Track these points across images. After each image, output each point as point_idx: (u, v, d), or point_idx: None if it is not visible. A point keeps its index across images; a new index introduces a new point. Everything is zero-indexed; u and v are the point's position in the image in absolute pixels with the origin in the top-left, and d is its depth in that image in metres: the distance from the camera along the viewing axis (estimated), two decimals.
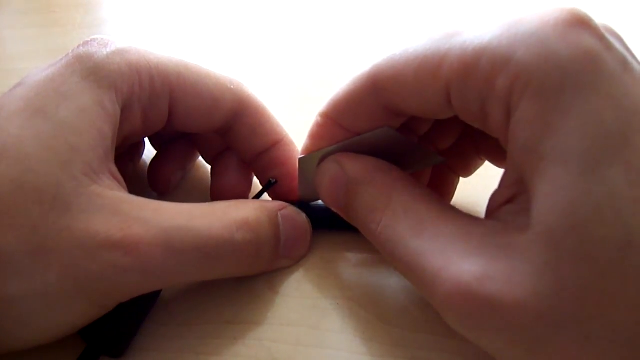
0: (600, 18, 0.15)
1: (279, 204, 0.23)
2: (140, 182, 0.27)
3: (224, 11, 0.46)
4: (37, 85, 0.19)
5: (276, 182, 0.24)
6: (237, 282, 0.23)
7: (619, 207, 0.13)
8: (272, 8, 0.46)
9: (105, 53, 0.20)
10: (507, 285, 0.14)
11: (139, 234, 0.18)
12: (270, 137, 0.24)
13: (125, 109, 0.21)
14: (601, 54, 0.14)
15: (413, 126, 0.22)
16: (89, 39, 0.21)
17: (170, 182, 0.26)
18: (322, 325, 0.21)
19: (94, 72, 0.20)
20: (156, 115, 0.22)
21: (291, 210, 0.23)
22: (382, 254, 0.19)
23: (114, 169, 0.20)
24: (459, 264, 0.15)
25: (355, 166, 0.20)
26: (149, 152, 0.28)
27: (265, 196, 0.25)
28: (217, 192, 0.25)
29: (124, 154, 0.26)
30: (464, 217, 0.17)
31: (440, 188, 0.25)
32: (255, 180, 0.26)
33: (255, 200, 0.23)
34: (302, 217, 0.23)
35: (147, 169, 0.27)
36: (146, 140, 0.28)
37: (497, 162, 0.23)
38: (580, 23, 0.15)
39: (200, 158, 0.28)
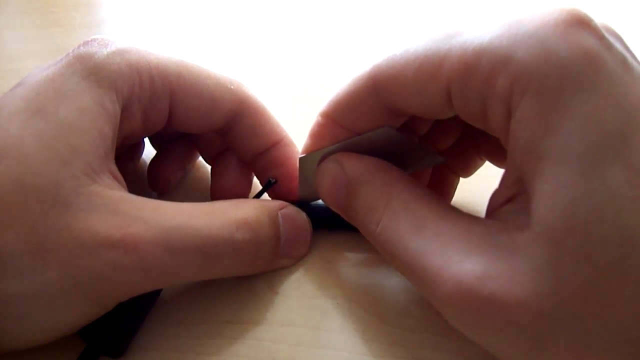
0: (600, 18, 0.15)
1: (279, 203, 0.23)
2: (140, 181, 0.27)
3: (224, 11, 0.46)
4: (38, 85, 0.19)
5: (276, 182, 0.24)
6: (237, 281, 0.23)
7: (619, 206, 0.13)
8: (272, 8, 0.46)
9: (105, 53, 0.20)
10: (508, 284, 0.14)
11: (138, 233, 0.18)
12: (270, 137, 0.24)
13: (125, 109, 0.21)
14: (601, 54, 0.14)
15: (413, 126, 0.22)
16: (89, 39, 0.21)
17: (170, 181, 0.26)
18: (322, 325, 0.21)
19: (94, 72, 0.20)
20: (156, 116, 0.22)
21: (291, 209, 0.23)
22: (382, 253, 0.19)
23: (114, 168, 0.20)
24: (460, 263, 0.16)
25: (355, 166, 0.20)
26: (149, 152, 0.28)
27: (265, 196, 0.25)
28: (217, 192, 0.25)
29: (124, 154, 0.26)
30: (464, 216, 0.17)
31: (440, 188, 0.25)
32: (255, 180, 0.26)
33: (256, 200, 0.23)
34: (302, 216, 0.23)
35: (147, 168, 0.27)
36: (146, 140, 0.28)
37: (497, 162, 0.23)
38: (580, 23, 0.15)
39: (200, 158, 0.28)
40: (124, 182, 0.20)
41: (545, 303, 0.14)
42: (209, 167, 0.27)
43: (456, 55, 0.16)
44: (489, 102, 0.16)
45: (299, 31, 0.42)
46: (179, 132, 0.25)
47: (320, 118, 0.21)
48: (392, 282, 0.22)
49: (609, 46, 0.15)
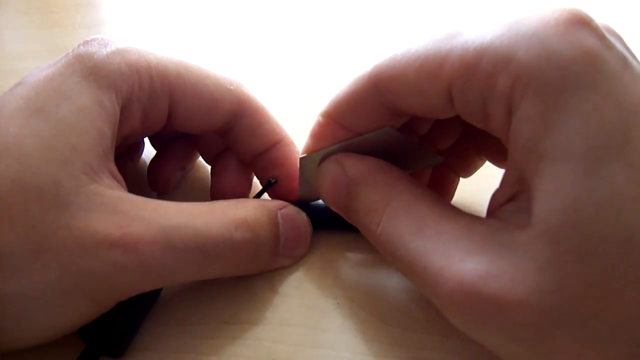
0: (600, 18, 0.16)
1: (279, 203, 0.23)
2: (140, 181, 0.27)
3: (224, 11, 0.46)
4: (37, 84, 0.19)
5: (276, 182, 0.24)
6: (237, 281, 0.22)
7: (620, 205, 0.13)
8: (272, 8, 0.46)
9: (105, 53, 0.20)
10: (510, 283, 0.14)
11: (138, 232, 0.18)
12: (270, 138, 0.24)
13: (124, 109, 0.21)
14: (602, 53, 0.14)
15: (414, 126, 0.22)
16: (89, 39, 0.21)
17: (169, 181, 0.26)
18: (322, 325, 0.21)
19: (94, 71, 0.20)
20: (156, 116, 0.22)
21: (291, 209, 0.23)
22: (382, 254, 0.19)
23: (114, 168, 0.20)
24: (462, 263, 0.16)
25: (355, 166, 0.20)
26: (149, 152, 0.28)
27: (265, 196, 0.25)
28: (217, 192, 0.25)
29: (124, 154, 0.26)
30: (465, 216, 0.17)
31: (440, 188, 0.25)
32: (255, 180, 0.26)
33: (255, 200, 0.23)
34: (302, 216, 0.23)
35: (147, 168, 0.27)
36: (146, 140, 0.28)
37: (497, 162, 0.23)
38: (581, 23, 0.15)
39: (200, 158, 0.28)
40: (123, 182, 0.20)
41: (546, 302, 0.14)
42: (209, 167, 0.27)
43: (457, 55, 0.16)
44: (489, 101, 0.16)
45: (299, 31, 0.42)
46: (178, 132, 0.25)
47: (321, 118, 0.21)
48: (392, 282, 0.22)
49: (610, 46, 0.15)
